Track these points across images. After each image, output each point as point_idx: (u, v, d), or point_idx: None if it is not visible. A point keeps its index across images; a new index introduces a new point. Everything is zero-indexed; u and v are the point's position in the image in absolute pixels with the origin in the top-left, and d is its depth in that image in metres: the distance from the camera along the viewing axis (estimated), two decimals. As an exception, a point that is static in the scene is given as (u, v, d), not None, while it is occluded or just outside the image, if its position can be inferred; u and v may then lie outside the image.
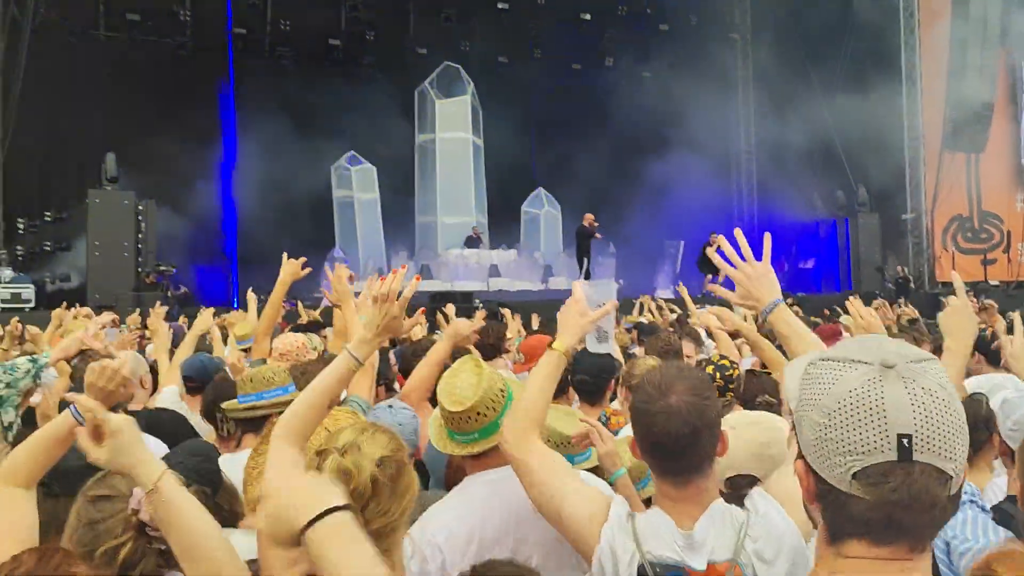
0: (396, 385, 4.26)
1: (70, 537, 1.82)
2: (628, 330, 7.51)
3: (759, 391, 3.53)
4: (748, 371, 3.91)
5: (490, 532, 2.13)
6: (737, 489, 2.11)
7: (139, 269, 14.32)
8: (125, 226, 14.11)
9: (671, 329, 7.18)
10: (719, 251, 2.08)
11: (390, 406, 2.82)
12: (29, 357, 3.67)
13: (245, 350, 5.50)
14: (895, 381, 1.00)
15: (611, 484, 2.26)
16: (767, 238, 2.07)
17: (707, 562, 1.73)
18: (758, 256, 2.06)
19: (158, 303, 5.18)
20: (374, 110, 19.02)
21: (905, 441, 0.98)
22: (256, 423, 2.97)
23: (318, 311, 8.57)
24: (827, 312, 10.96)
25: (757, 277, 2.02)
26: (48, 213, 15.14)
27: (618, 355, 4.83)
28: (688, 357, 5.15)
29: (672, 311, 9.39)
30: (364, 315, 3.87)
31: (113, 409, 1.92)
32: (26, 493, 1.93)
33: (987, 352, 4.71)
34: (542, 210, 21.22)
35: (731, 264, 2.05)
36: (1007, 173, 19.99)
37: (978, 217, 19.67)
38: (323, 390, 2.00)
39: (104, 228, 13.97)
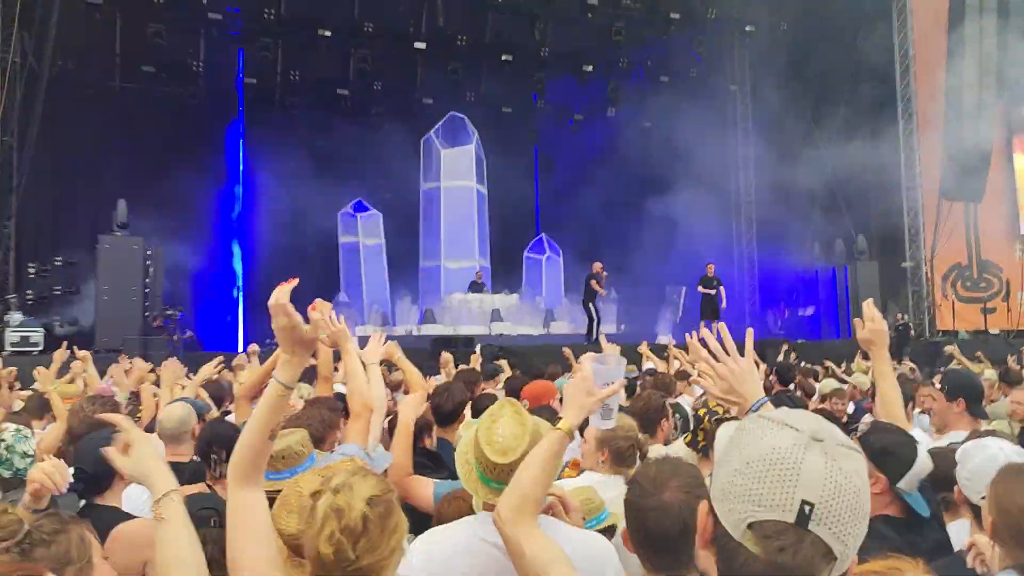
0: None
1: None
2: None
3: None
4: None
5: (493, 572, 2.17)
6: None
7: (146, 313, 14.54)
8: (133, 271, 14.37)
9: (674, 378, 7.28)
10: (702, 342, 2.08)
11: (368, 455, 2.98)
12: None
13: (247, 396, 5.68)
14: (818, 454, 1.02)
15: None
16: (749, 334, 2.10)
17: None
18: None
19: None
20: (381, 158, 19.41)
21: (807, 508, 0.99)
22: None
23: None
24: (828, 363, 11.07)
25: (741, 374, 2.00)
26: (58, 258, 15.39)
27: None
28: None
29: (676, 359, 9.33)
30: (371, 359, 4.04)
31: None
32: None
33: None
34: (544, 255, 21.49)
35: (715, 358, 2.04)
36: (1005, 222, 20.13)
37: (977, 266, 19.78)
38: (259, 425, 1.97)
39: (113, 273, 14.23)
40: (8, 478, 3.60)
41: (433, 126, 20.72)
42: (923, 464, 2.51)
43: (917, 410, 5.54)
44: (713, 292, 17.35)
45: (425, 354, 13.70)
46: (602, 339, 8.38)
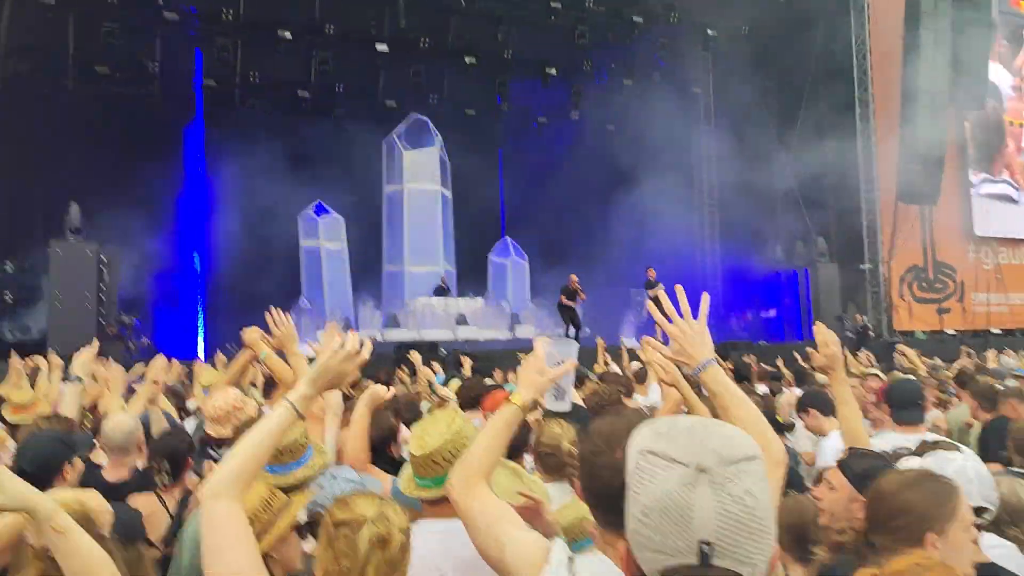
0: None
1: None
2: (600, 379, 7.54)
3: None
4: None
5: None
6: None
7: (101, 320, 14.19)
8: (87, 277, 14.00)
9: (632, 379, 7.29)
10: (657, 304, 2.13)
11: (334, 476, 2.89)
12: None
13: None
14: (705, 487, 1.07)
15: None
16: (705, 298, 2.10)
17: None
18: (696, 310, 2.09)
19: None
20: (343, 160, 19.19)
21: (705, 548, 1.04)
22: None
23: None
24: (783, 360, 11.16)
25: (693, 335, 2.05)
26: (9, 264, 14.97)
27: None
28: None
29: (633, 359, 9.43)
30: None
31: None
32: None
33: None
34: (509, 259, 21.43)
35: (668, 319, 2.08)
36: (959, 224, 20.58)
37: (933, 267, 20.16)
38: (262, 444, 1.91)
39: (66, 279, 13.85)
40: None
41: (396, 128, 20.54)
42: None
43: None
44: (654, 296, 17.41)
45: (389, 359, 13.59)
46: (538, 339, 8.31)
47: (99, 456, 3.99)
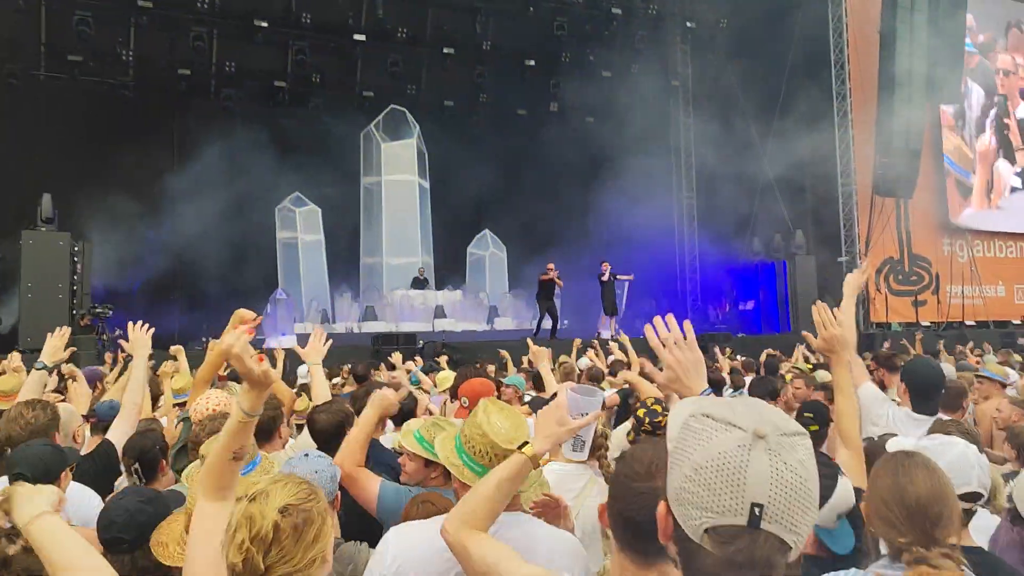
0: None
1: None
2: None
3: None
4: None
5: None
6: None
7: (74, 312, 13.99)
8: (60, 268, 13.76)
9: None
10: (654, 330, 2.06)
11: (307, 454, 2.83)
12: None
13: (180, 404, 5.43)
14: (762, 452, 1.07)
15: None
16: (688, 327, 2.07)
17: None
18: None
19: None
20: (320, 151, 19.04)
21: (756, 510, 1.04)
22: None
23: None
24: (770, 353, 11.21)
25: (688, 364, 2.02)
26: (-21, 255, 14.73)
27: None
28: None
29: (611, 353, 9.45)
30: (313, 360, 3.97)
31: None
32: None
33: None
34: (487, 251, 21.37)
35: (664, 346, 2.04)
36: (933, 217, 20.76)
37: (908, 260, 20.32)
38: (221, 449, 2.06)
39: (38, 270, 13.61)
40: None
41: (373, 119, 20.40)
42: (840, 498, 2.34)
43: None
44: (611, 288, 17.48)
45: (366, 352, 13.52)
46: (529, 341, 8.29)
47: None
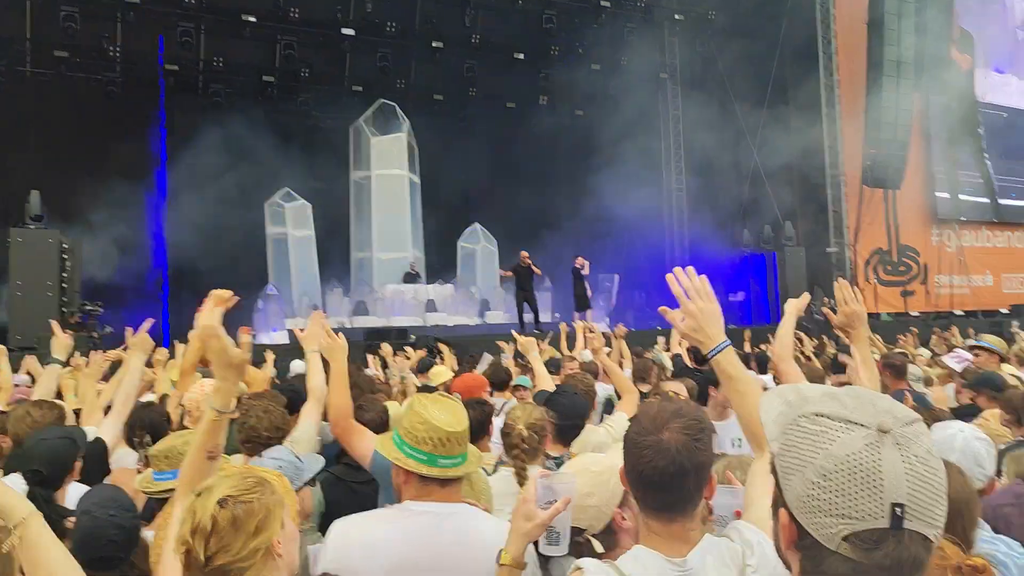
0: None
1: None
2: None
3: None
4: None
5: (425, 562, 2.23)
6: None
7: (63, 309, 13.91)
8: (49, 265, 13.68)
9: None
10: (676, 280, 2.14)
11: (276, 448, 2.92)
12: None
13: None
14: (891, 448, 1.03)
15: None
16: (704, 280, 2.14)
17: None
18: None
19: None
20: (310, 146, 19.00)
21: (898, 510, 1.01)
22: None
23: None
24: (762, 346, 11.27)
25: (710, 314, 2.09)
26: (-34, 252, 14.60)
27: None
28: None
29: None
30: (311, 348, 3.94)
31: None
32: None
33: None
34: (478, 245, 21.35)
35: (687, 296, 2.11)
36: (921, 208, 20.87)
37: (897, 250, 20.43)
38: (197, 448, 2.06)
39: (27, 267, 13.52)
40: None
41: (363, 113, 20.34)
42: None
43: None
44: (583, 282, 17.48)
45: (358, 347, 13.51)
46: (514, 334, 8.30)
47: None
